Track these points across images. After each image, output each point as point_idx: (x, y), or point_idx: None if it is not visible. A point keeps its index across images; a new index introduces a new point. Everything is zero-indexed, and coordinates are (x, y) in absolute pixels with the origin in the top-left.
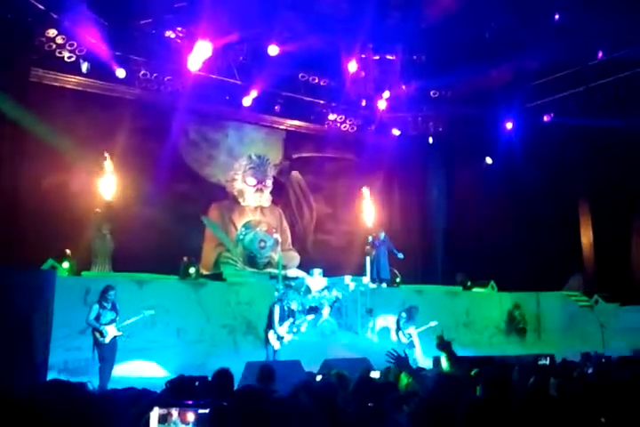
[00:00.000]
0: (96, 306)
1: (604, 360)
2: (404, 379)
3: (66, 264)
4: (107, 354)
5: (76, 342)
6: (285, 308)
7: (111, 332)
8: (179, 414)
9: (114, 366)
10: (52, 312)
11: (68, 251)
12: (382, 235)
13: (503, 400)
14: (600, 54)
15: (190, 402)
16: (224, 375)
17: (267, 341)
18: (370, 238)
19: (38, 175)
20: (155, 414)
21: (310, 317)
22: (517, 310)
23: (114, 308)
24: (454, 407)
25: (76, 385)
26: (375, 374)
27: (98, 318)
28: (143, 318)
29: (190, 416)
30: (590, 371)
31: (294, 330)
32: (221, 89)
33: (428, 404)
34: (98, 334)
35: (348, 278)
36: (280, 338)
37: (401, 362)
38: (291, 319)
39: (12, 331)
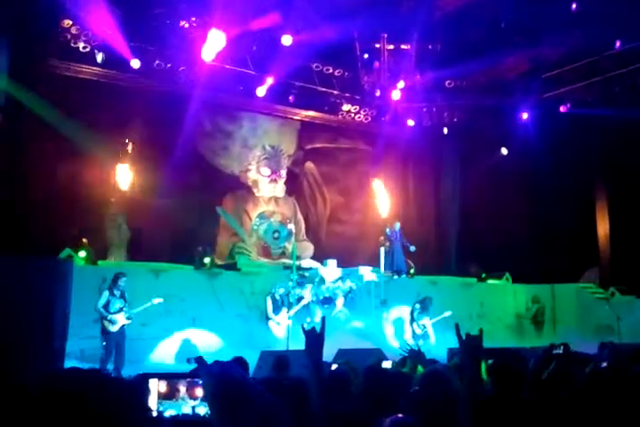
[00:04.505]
0: (106, 293)
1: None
2: (421, 370)
3: (82, 253)
4: (114, 342)
5: (92, 331)
6: (277, 297)
7: (120, 320)
8: (187, 389)
9: (125, 353)
10: (71, 301)
11: (84, 240)
12: (397, 226)
13: (515, 393)
14: (617, 44)
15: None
16: (239, 364)
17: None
18: (388, 230)
19: (54, 166)
20: (154, 385)
21: (295, 308)
22: (537, 304)
23: (123, 296)
24: (447, 403)
25: (94, 372)
26: (387, 364)
27: (107, 305)
28: (154, 306)
29: (199, 391)
30: (604, 365)
31: (307, 320)
32: (235, 79)
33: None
34: (107, 323)
35: (367, 269)
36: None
37: (414, 355)
38: (285, 308)
39: (32, 319)
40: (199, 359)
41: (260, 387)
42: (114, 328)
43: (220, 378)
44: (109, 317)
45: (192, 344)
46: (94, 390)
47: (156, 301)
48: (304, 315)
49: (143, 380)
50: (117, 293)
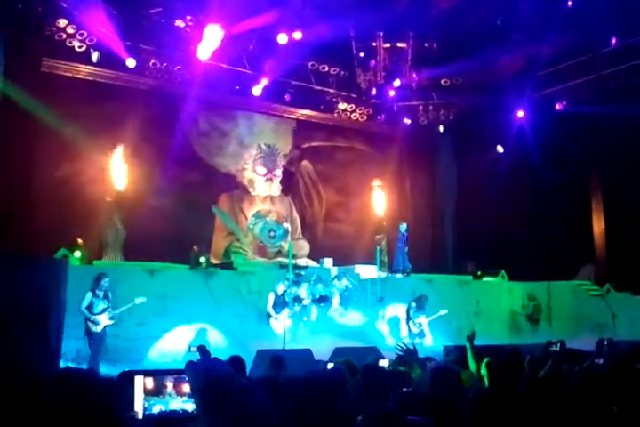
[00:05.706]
0: (89, 294)
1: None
2: (418, 369)
3: (77, 253)
4: (98, 343)
5: None
6: (280, 294)
7: (103, 321)
8: (174, 385)
9: (102, 354)
10: (66, 301)
11: (79, 240)
12: (404, 227)
13: (513, 390)
14: (613, 41)
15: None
16: (236, 362)
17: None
18: (402, 229)
19: (50, 165)
20: (139, 382)
21: (297, 308)
22: (532, 302)
23: (106, 296)
24: (452, 401)
25: (88, 372)
26: (384, 363)
27: (90, 306)
28: (148, 305)
29: (186, 388)
30: (601, 361)
31: (304, 318)
32: (231, 78)
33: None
34: (90, 324)
35: (365, 268)
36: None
37: (409, 354)
38: (287, 308)
39: (28, 319)
40: (201, 348)
41: (248, 384)
42: (97, 329)
43: (206, 375)
44: (93, 318)
45: (189, 343)
46: (63, 392)
47: (139, 300)
48: (300, 314)
49: (125, 379)
50: (100, 293)
